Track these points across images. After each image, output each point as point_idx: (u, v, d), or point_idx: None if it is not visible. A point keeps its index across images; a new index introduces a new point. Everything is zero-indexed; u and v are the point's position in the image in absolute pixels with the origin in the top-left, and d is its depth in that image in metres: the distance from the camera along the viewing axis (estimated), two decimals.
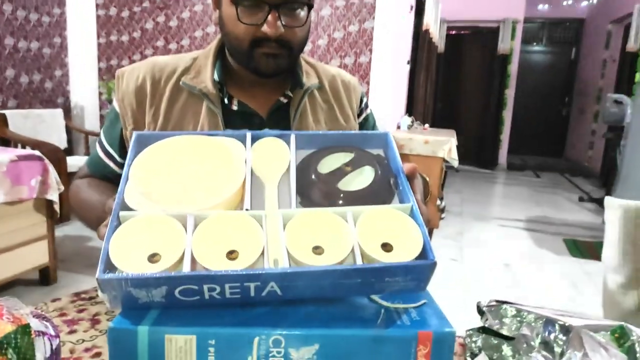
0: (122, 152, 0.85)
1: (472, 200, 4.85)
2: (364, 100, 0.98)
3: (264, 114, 0.83)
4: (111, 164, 0.86)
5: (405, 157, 3.58)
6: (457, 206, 4.56)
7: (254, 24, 0.73)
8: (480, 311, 0.61)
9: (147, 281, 0.44)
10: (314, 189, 0.58)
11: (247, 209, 0.54)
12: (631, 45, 5.13)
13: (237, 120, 0.82)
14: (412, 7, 4.21)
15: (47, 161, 2.22)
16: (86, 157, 3.67)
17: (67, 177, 2.95)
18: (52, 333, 0.53)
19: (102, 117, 4.14)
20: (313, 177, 0.58)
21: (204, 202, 0.53)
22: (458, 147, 3.80)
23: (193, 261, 0.48)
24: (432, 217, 3.57)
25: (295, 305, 0.50)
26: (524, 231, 3.83)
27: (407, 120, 4.19)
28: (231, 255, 0.50)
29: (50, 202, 2.26)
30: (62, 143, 3.66)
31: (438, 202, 3.70)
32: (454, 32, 6.77)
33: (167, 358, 0.46)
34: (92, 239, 3.02)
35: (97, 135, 3.81)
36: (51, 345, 0.52)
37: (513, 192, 5.45)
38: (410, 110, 4.75)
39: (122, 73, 0.84)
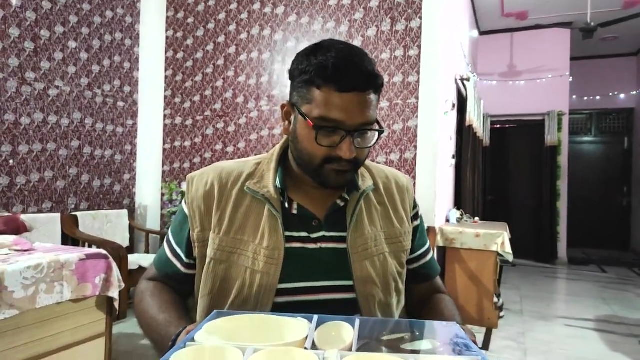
0: (189, 252, 0.90)
1: (533, 297, 4.56)
2: (417, 208, 1.01)
3: (321, 217, 0.88)
4: (178, 264, 0.92)
5: (456, 252, 3.51)
6: (517, 304, 4.30)
7: (330, 146, 0.78)
8: None
9: None
10: (376, 350, 0.61)
11: (306, 348, 0.58)
12: None
13: (296, 223, 0.87)
14: (454, 105, 4.38)
15: (111, 259, 2.36)
16: (146, 255, 3.82)
17: (127, 274, 3.10)
18: None
19: (163, 216, 4.39)
20: (376, 343, 0.62)
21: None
22: (513, 241, 3.68)
23: None
24: (489, 316, 3.37)
25: None
26: (593, 332, 3.52)
27: (456, 213, 4.15)
28: None
29: (110, 300, 2.36)
30: (125, 241, 3.89)
31: (495, 299, 3.52)
32: (498, 125, 6.88)
33: None
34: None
35: (157, 233, 4.01)
36: None
37: (577, 289, 5.09)
38: (459, 203, 4.73)
39: (192, 178, 0.92)
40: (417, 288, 1.01)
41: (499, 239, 3.45)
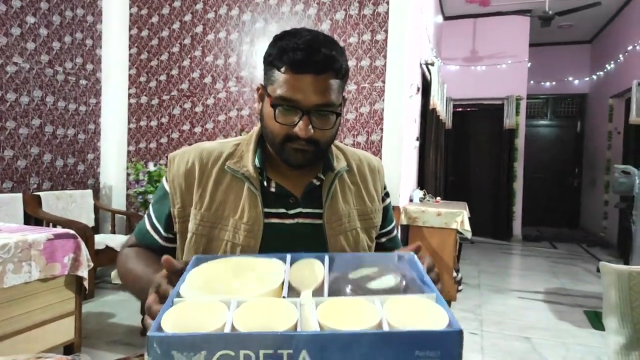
0: (168, 227, 0.95)
1: (489, 272, 4.82)
2: (387, 189, 1.08)
3: (298, 195, 0.93)
4: (156, 237, 0.96)
5: (418, 230, 3.67)
6: (474, 278, 4.53)
7: (288, 125, 0.84)
8: None
9: (188, 341, 0.49)
10: (344, 289, 0.66)
11: (284, 297, 0.63)
12: (633, 118, 5.31)
13: (274, 200, 0.92)
14: (418, 89, 4.50)
15: (79, 239, 2.36)
16: (112, 235, 3.81)
17: (94, 254, 3.09)
18: None
19: (128, 196, 4.35)
20: (344, 281, 0.68)
21: (247, 294, 0.63)
22: (472, 220, 3.88)
23: None
24: (449, 289, 3.57)
25: None
26: (543, 303, 3.78)
27: (419, 193, 4.32)
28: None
29: (79, 279, 2.37)
30: (90, 222, 3.85)
31: (454, 274, 3.71)
32: (460, 109, 7.09)
33: None
34: (115, 315, 3.08)
35: (123, 213, 3.98)
36: None
37: (530, 264, 5.40)
38: (422, 183, 4.90)
39: (174, 157, 0.96)
40: None
41: (458, 217, 3.63)
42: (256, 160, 0.92)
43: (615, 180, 4.59)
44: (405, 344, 0.50)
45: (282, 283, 0.66)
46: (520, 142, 6.82)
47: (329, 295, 0.65)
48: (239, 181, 0.92)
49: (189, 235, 0.91)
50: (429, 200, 4.36)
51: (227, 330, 0.54)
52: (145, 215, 1.00)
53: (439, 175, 5.27)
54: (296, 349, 0.49)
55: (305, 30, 0.85)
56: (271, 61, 0.84)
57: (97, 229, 4.02)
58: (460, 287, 3.95)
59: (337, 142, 1.01)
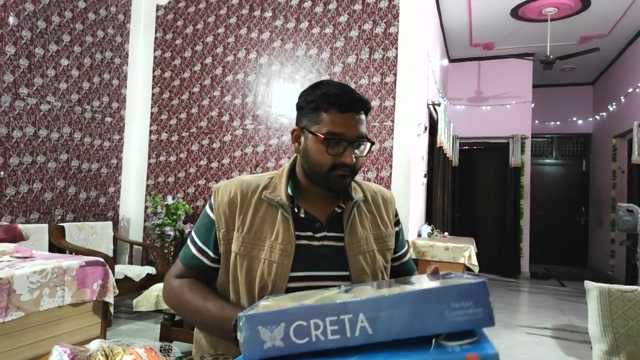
0: (215, 250, 1.09)
1: (498, 308, 4.86)
2: (398, 216, 1.24)
3: (323, 220, 1.09)
4: (204, 259, 1.09)
5: (427, 264, 3.76)
6: None
7: (335, 155, 1.01)
8: None
9: (270, 316, 0.62)
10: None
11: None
12: (635, 158, 5.46)
13: (303, 224, 1.07)
14: (426, 128, 4.70)
15: (107, 267, 2.51)
16: (129, 266, 3.94)
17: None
18: None
19: (145, 228, 4.51)
20: None
21: None
22: (479, 256, 3.98)
23: None
24: None
25: None
26: (551, 339, 3.82)
27: (427, 228, 4.44)
28: None
29: (106, 305, 2.50)
30: (109, 252, 4.00)
31: None
32: (466, 147, 7.27)
33: None
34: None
35: (140, 244, 4.13)
36: None
37: (538, 301, 5.43)
38: (429, 219, 5.03)
39: (218, 188, 1.11)
40: None
41: (466, 252, 3.74)
42: (289, 190, 1.09)
43: (619, 219, 4.69)
44: (443, 298, 0.60)
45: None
46: (526, 179, 6.95)
47: None
48: (274, 208, 1.07)
49: (232, 255, 1.06)
50: (436, 235, 4.47)
51: None
52: (189, 241, 1.14)
53: (447, 211, 5.40)
54: (354, 313, 0.61)
55: (332, 81, 1.07)
56: (315, 106, 1.03)
57: (114, 260, 4.16)
58: None
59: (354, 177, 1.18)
